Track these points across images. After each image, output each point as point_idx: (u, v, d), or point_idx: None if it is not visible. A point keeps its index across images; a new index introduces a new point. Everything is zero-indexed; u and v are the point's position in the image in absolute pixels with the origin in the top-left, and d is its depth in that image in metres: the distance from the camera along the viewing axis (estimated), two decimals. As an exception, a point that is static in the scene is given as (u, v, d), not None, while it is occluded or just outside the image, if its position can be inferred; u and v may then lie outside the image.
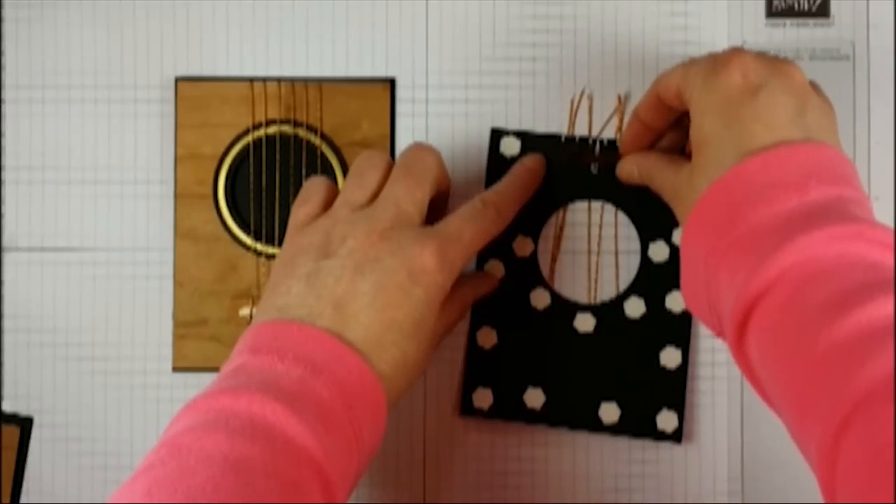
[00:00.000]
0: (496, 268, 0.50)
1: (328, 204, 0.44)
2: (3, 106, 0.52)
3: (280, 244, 0.51)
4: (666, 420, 0.49)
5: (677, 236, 0.50)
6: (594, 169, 0.51)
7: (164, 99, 0.52)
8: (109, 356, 0.51)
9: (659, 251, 0.50)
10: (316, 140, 0.51)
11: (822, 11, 0.52)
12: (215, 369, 0.51)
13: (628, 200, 0.50)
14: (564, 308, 0.50)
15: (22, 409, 0.51)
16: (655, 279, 0.50)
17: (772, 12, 0.52)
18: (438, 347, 0.46)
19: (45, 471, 0.51)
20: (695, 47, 0.52)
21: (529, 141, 0.51)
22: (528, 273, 0.50)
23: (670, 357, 0.50)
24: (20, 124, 0.52)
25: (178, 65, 0.52)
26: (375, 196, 0.43)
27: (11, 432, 0.51)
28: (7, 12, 0.52)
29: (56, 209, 0.52)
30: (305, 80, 0.52)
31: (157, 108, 0.52)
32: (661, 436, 0.49)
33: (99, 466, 0.51)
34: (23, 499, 0.51)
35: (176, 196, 0.51)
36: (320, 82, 0.51)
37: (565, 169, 0.51)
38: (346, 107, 0.51)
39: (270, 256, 0.51)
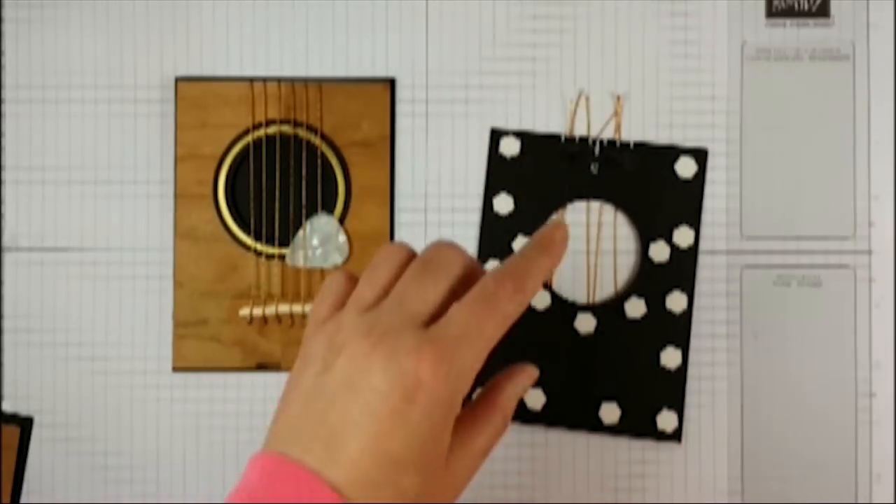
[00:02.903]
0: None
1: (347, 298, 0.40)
2: (3, 106, 0.52)
3: (280, 244, 0.51)
4: (666, 420, 0.49)
5: (677, 236, 0.50)
6: (594, 169, 0.51)
7: (164, 99, 0.52)
8: (109, 356, 0.51)
9: (659, 251, 0.50)
10: (316, 140, 0.51)
11: (822, 11, 0.52)
12: (215, 369, 0.51)
13: (628, 200, 0.50)
14: (564, 309, 0.50)
15: (22, 409, 0.51)
16: (655, 279, 0.50)
17: (772, 12, 0.52)
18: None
19: (45, 470, 0.51)
20: (695, 47, 0.52)
21: (529, 141, 0.51)
22: None
23: (670, 357, 0.50)
24: (20, 124, 0.52)
25: (178, 65, 0.52)
26: (386, 294, 0.38)
27: (11, 432, 0.51)
28: (7, 13, 0.52)
29: (56, 209, 0.52)
30: (305, 80, 0.52)
31: (157, 108, 0.52)
32: (661, 436, 0.50)
33: (99, 466, 0.51)
34: (23, 499, 0.51)
35: (176, 196, 0.51)
36: (320, 82, 0.51)
37: (565, 169, 0.51)
38: (346, 107, 0.51)
39: (270, 256, 0.51)
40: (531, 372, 0.41)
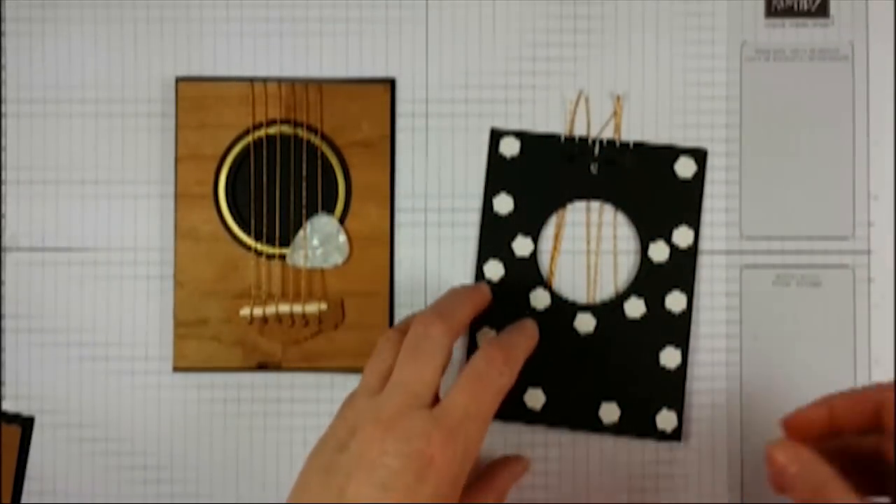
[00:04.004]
0: (496, 269, 0.50)
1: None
2: (4, 105, 0.52)
3: (280, 244, 0.51)
4: (666, 420, 0.49)
5: (677, 236, 0.50)
6: (594, 169, 0.51)
7: (165, 99, 0.52)
8: (110, 356, 0.51)
9: (659, 251, 0.50)
10: (316, 140, 0.51)
11: (822, 11, 0.52)
12: (215, 369, 0.51)
13: (628, 200, 0.51)
14: (564, 308, 0.50)
15: (23, 409, 0.51)
16: (655, 279, 0.50)
17: (771, 12, 0.52)
18: None
19: (45, 470, 0.51)
20: (694, 47, 0.52)
21: (529, 141, 0.51)
22: (527, 273, 0.51)
23: (670, 357, 0.50)
24: (21, 124, 0.52)
25: (178, 65, 0.52)
26: (387, 378, 0.42)
27: (12, 432, 0.51)
28: (8, 12, 0.52)
29: (57, 209, 0.52)
30: (305, 81, 0.52)
31: (158, 108, 0.52)
32: (661, 435, 0.50)
33: (99, 466, 0.51)
34: (25, 498, 0.51)
35: (176, 196, 0.51)
36: (320, 82, 0.51)
37: (565, 169, 0.51)
38: (346, 107, 0.51)
39: (271, 256, 0.51)
40: (525, 463, 0.46)
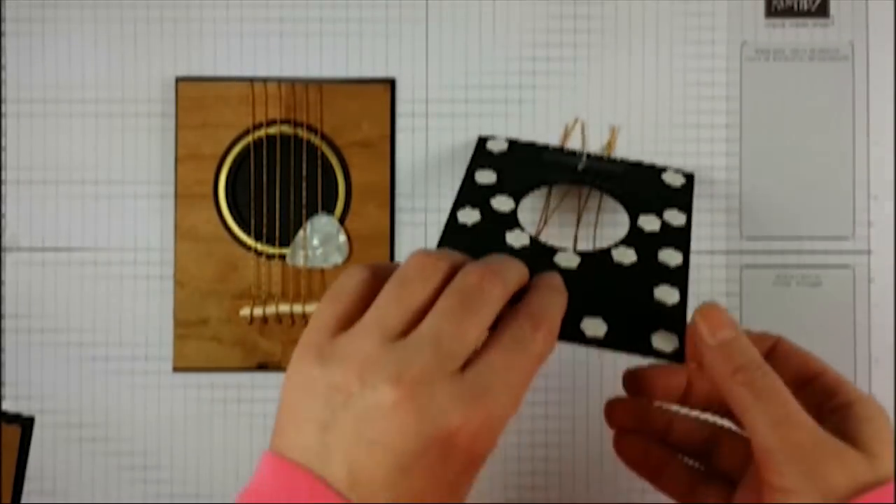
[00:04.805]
0: (471, 215, 0.45)
1: (364, 306, 0.35)
2: (4, 105, 0.52)
3: (280, 244, 0.51)
4: (663, 340, 0.39)
5: (668, 215, 0.46)
6: (581, 166, 0.50)
7: (165, 99, 0.52)
8: (110, 356, 0.51)
9: (650, 223, 0.46)
10: (316, 140, 0.51)
11: (822, 11, 0.52)
12: (216, 369, 0.51)
13: (617, 190, 0.48)
14: (544, 248, 0.44)
15: (23, 409, 0.51)
16: (647, 239, 0.45)
17: (771, 12, 0.52)
18: None
19: (46, 470, 0.51)
20: (694, 47, 0.52)
21: (517, 146, 0.50)
22: (506, 222, 0.45)
23: (666, 293, 0.42)
24: (21, 124, 0.52)
25: (178, 65, 0.52)
26: (418, 320, 0.34)
27: (12, 432, 0.51)
28: (8, 12, 0.52)
29: (57, 209, 0.52)
30: (305, 81, 0.52)
31: (158, 108, 0.52)
32: (657, 354, 0.39)
33: (99, 466, 0.51)
34: (25, 498, 0.51)
35: (176, 196, 0.51)
36: (320, 82, 0.51)
37: (552, 165, 0.49)
38: (346, 107, 0.51)
39: (271, 256, 0.51)
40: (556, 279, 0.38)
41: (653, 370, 0.42)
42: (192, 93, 0.51)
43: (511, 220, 0.45)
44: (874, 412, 0.37)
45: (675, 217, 0.47)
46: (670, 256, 0.44)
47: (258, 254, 0.51)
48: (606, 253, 0.44)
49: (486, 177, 0.48)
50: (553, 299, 0.36)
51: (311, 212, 0.51)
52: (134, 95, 0.52)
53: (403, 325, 0.34)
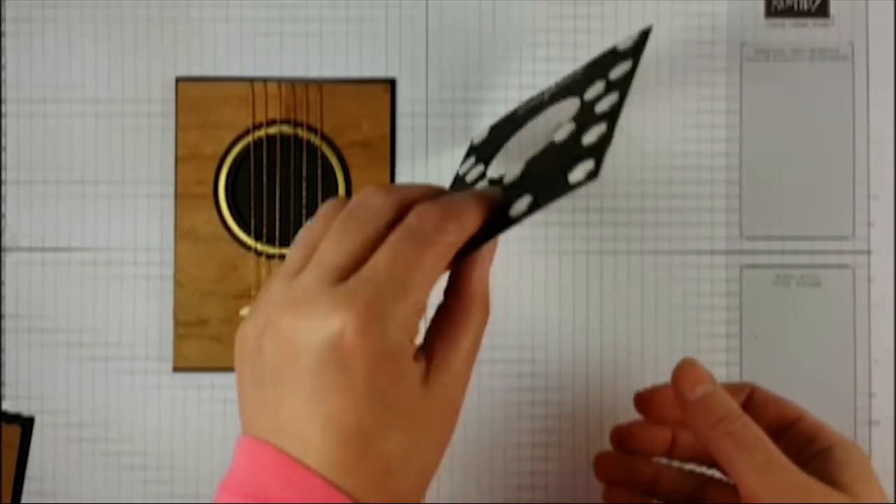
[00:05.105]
0: None
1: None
2: (4, 105, 0.52)
3: (280, 244, 0.51)
4: (580, 170, 0.34)
5: (614, 71, 0.41)
6: (547, 96, 0.46)
7: (165, 99, 0.52)
8: (110, 356, 0.51)
9: (595, 89, 0.41)
10: (316, 140, 0.51)
11: (822, 11, 0.52)
12: (216, 369, 0.51)
13: (572, 86, 0.44)
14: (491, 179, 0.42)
15: (23, 409, 0.51)
16: (588, 104, 0.40)
17: (771, 12, 0.52)
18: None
19: (45, 470, 0.51)
20: (694, 46, 0.52)
21: (495, 125, 0.48)
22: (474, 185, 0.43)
23: (591, 134, 0.36)
24: (21, 124, 0.52)
25: (178, 65, 0.52)
26: (364, 258, 0.33)
27: (12, 432, 0.51)
28: (8, 12, 0.52)
29: (57, 209, 0.52)
30: (305, 81, 0.52)
31: (158, 108, 0.52)
32: (574, 187, 0.34)
33: (100, 467, 0.51)
34: (25, 498, 0.51)
35: (176, 196, 0.51)
36: (320, 82, 0.52)
37: (525, 115, 0.46)
38: (346, 107, 0.51)
39: (271, 256, 0.51)
40: (491, 246, 0.36)
41: (637, 426, 0.43)
42: (192, 93, 0.51)
43: (478, 181, 0.43)
44: (854, 454, 0.38)
45: (620, 70, 0.41)
46: (606, 102, 0.39)
47: (258, 254, 0.51)
48: (549, 142, 0.40)
49: (466, 166, 0.47)
50: (470, 196, 0.35)
51: (311, 212, 0.51)
52: (134, 95, 0.52)
53: (301, 263, 0.33)
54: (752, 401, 0.42)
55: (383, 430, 0.31)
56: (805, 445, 0.39)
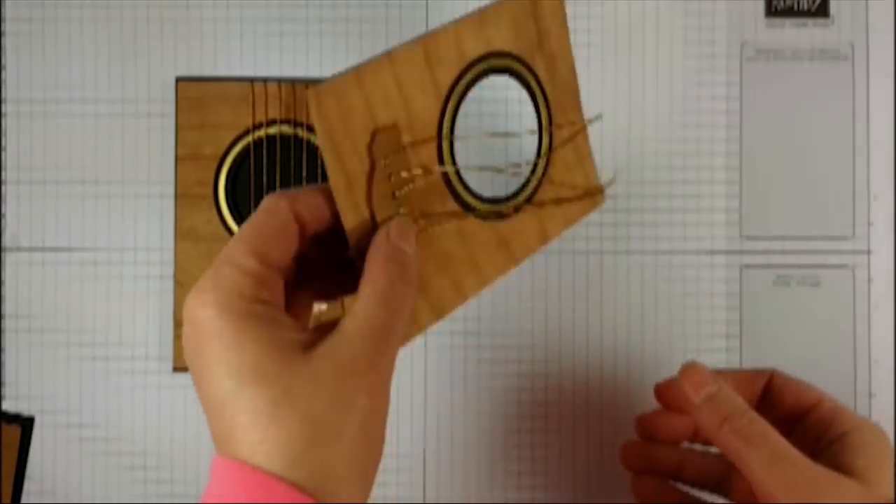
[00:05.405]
0: None
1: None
2: (4, 105, 0.52)
3: (280, 244, 0.51)
4: None
5: None
6: None
7: (165, 99, 0.52)
8: (110, 356, 0.51)
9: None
10: (316, 140, 0.51)
11: (822, 11, 0.52)
12: (216, 369, 0.51)
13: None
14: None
15: (23, 409, 0.51)
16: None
17: (771, 12, 0.52)
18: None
19: (46, 470, 0.51)
20: (694, 46, 0.52)
21: None
22: None
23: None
24: (21, 124, 0.52)
25: (178, 65, 0.52)
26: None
27: (12, 432, 0.51)
28: (8, 12, 0.52)
29: (57, 209, 0.52)
30: (305, 81, 0.52)
31: (158, 108, 0.52)
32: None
33: (99, 466, 0.51)
34: (25, 498, 0.51)
35: (176, 196, 0.51)
36: (320, 82, 0.51)
37: None
38: (346, 107, 0.51)
39: (271, 256, 0.51)
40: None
41: (659, 414, 0.44)
42: (192, 93, 0.51)
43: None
44: (869, 438, 0.38)
45: None
46: None
47: (258, 254, 0.51)
48: None
49: None
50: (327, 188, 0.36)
51: (311, 212, 0.51)
52: (134, 95, 0.52)
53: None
54: (771, 385, 0.42)
55: (296, 410, 0.31)
56: (824, 431, 0.40)
